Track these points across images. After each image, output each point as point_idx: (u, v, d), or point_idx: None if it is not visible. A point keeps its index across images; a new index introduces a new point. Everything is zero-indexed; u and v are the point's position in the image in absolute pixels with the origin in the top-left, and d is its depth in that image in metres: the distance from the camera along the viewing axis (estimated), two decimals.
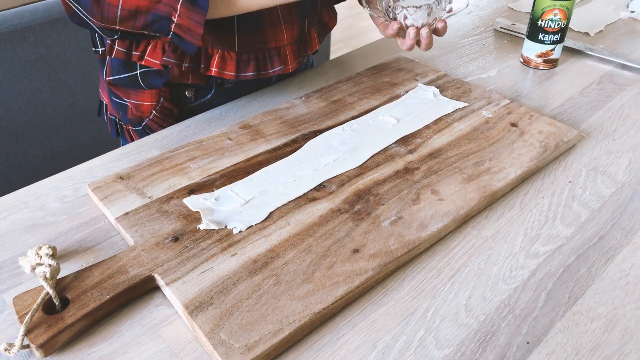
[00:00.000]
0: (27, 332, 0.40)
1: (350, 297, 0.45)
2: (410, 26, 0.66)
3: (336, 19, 0.82)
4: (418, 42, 0.67)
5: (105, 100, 0.79)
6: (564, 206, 0.55)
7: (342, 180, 0.57)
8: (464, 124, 0.65)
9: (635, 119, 0.69)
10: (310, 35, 0.74)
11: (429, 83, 0.74)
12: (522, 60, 0.82)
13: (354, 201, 0.54)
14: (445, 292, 0.46)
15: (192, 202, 0.53)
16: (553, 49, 0.78)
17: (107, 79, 0.72)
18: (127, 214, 0.52)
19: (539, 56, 0.79)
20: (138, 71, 0.69)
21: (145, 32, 0.59)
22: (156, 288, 0.46)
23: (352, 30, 3.22)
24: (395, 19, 0.67)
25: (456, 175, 0.57)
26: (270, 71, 0.70)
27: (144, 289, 0.46)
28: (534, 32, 0.78)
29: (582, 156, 0.62)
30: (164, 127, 0.72)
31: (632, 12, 0.95)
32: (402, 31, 0.67)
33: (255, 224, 0.51)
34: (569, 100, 0.73)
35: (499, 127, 0.64)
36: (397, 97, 0.71)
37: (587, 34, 0.90)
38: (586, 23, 0.93)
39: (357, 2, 0.75)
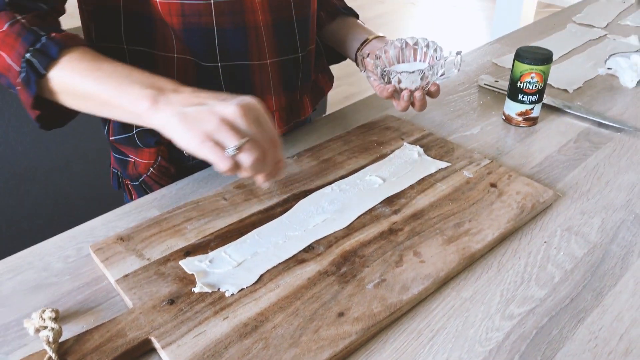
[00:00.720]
0: None
1: None
2: (405, 89, 0.70)
3: (332, 82, 0.87)
4: (412, 103, 0.71)
5: (110, 155, 0.84)
6: (538, 267, 0.59)
7: (330, 241, 0.60)
8: (445, 185, 0.69)
9: (608, 178, 0.73)
10: (303, 102, 0.79)
11: (414, 142, 0.78)
12: (504, 118, 0.86)
13: (341, 263, 0.57)
14: (425, 354, 0.49)
15: (188, 265, 0.56)
16: (532, 108, 0.83)
17: (110, 138, 0.76)
18: (126, 276, 0.55)
19: (520, 114, 0.83)
20: (134, 131, 0.73)
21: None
22: (153, 350, 0.49)
23: (348, 69, 3.31)
24: (390, 82, 0.71)
25: (437, 237, 0.60)
26: None
27: (141, 351, 0.49)
28: (514, 92, 0.82)
29: (558, 216, 0.66)
30: (160, 185, 0.76)
31: (609, 69, 1.00)
32: (396, 93, 0.72)
33: (247, 287, 0.54)
34: (547, 158, 0.77)
35: (479, 187, 0.68)
36: (384, 156, 0.75)
37: (566, 90, 0.95)
38: (565, 80, 0.98)
39: (355, 64, 0.80)
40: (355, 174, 0.71)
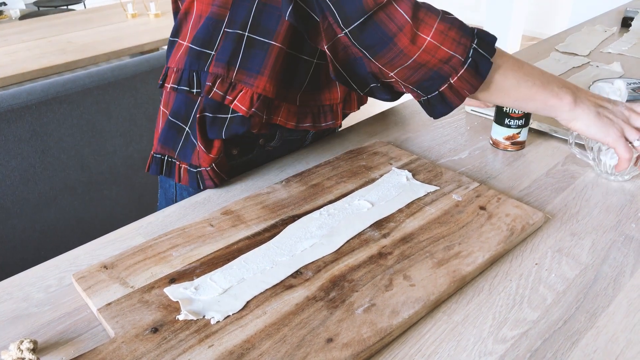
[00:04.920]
0: None
1: None
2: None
3: (368, 97, 0.88)
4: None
5: (155, 139, 0.82)
6: (530, 289, 0.58)
7: (318, 266, 0.59)
8: (435, 208, 0.68)
9: (596, 200, 0.72)
10: (351, 97, 0.84)
11: (402, 167, 0.78)
12: (491, 142, 0.87)
13: (329, 288, 0.56)
14: None
15: (172, 292, 0.55)
16: (519, 132, 0.83)
17: (198, 115, 0.74)
18: (109, 304, 0.54)
19: (507, 139, 0.84)
20: (228, 116, 0.74)
21: (411, 86, 0.66)
22: None
23: None
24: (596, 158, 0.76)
25: (427, 260, 0.59)
26: (324, 124, 0.80)
27: None
28: (500, 117, 0.83)
29: (548, 238, 0.66)
30: (212, 182, 0.77)
31: None
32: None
33: (233, 314, 0.52)
34: (535, 181, 0.77)
35: (468, 210, 0.68)
36: (373, 180, 0.75)
37: None
38: None
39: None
40: (344, 199, 0.71)
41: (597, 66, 1.18)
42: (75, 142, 1.58)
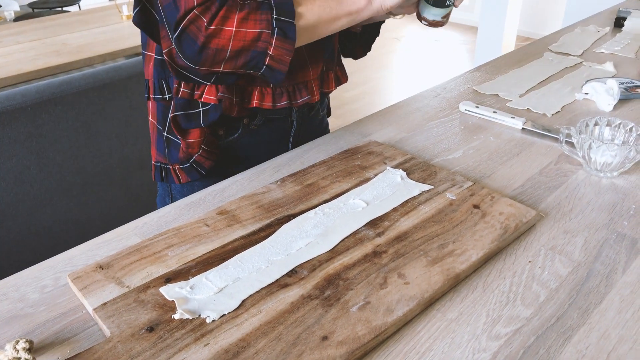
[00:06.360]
0: None
1: None
2: None
3: (347, 78, 0.96)
4: None
5: (153, 149, 0.91)
6: (524, 286, 0.58)
7: (313, 265, 0.59)
8: (429, 207, 0.69)
9: (589, 198, 0.73)
10: (328, 76, 0.90)
11: (397, 166, 0.78)
12: (426, 24, 0.83)
13: (324, 286, 0.56)
14: None
15: (168, 291, 0.55)
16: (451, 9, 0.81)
17: (171, 115, 0.81)
18: (105, 304, 0.54)
19: (444, 17, 0.81)
20: (201, 109, 0.80)
21: (242, 70, 0.71)
22: None
23: (337, 100, 3.36)
24: None
25: (421, 258, 0.60)
26: (300, 100, 0.84)
27: None
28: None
29: (541, 236, 0.66)
30: (211, 161, 0.84)
31: (586, 94, 1.02)
32: None
33: (228, 313, 0.53)
34: (529, 180, 0.78)
35: (462, 209, 0.68)
36: (367, 180, 0.75)
37: (545, 114, 0.97)
38: (544, 105, 1.00)
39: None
40: (339, 198, 0.71)
41: (590, 66, 1.19)
42: (70, 144, 1.58)
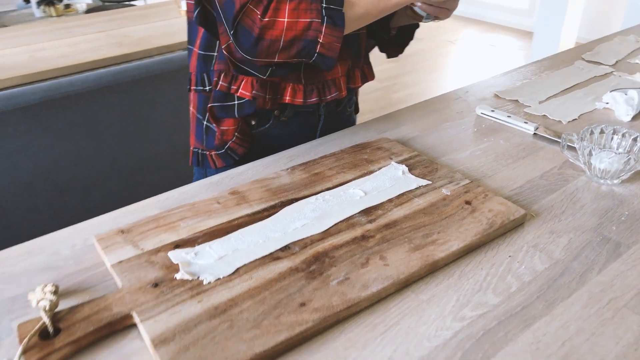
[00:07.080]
0: (24, 352, 0.50)
1: (290, 343, 0.53)
2: None
3: (374, 75, 1.02)
4: None
5: (192, 137, 1.00)
6: (498, 277, 0.62)
7: (305, 243, 0.66)
8: (422, 200, 0.74)
9: (583, 202, 0.75)
10: (355, 73, 0.96)
11: (401, 161, 0.83)
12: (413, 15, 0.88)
13: (311, 262, 0.63)
14: (375, 345, 0.54)
15: (175, 256, 0.63)
16: None
17: (209, 105, 0.91)
18: (121, 262, 0.62)
19: None
20: (236, 102, 0.89)
21: (295, 59, 0.77)
22: (133, 325, 0.56)
23: (383, 102, 3.40)
24: None
25: (405, 245, 0.65)
26: (329, 97, 0.91)
27: (123, 325, 0.55)
28: None
29: (527, 234, 0.70)
30: (244, 147, 0.93)
31: (607, 103, 1.03)
32: None
33: (223, 277, 0.60)
34: (528, 182, 0.81)
35: (454, 204, 0.73)
36: (371, 172, 0.81)
37: (560, 122, 0.99)
38: (561, 112, 1.02)
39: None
40: (340, 187, 0.77)
41: (620, 76, 1.18)
42: (122, 129, 1.71)
